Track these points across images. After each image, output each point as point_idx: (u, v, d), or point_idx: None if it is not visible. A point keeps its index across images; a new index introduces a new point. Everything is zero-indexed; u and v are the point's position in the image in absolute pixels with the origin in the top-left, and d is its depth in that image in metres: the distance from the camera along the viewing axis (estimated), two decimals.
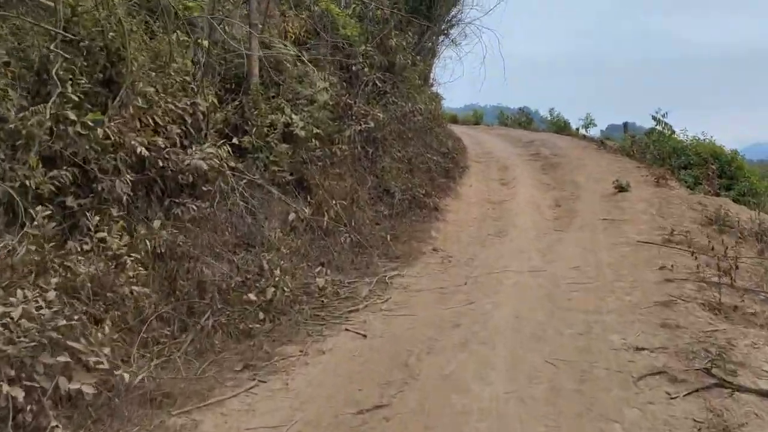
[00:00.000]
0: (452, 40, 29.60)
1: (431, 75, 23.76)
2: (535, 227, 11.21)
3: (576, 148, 19.59)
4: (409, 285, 8.00)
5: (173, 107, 7.76)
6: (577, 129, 27.30)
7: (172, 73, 8.15)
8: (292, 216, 8.97)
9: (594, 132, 27.50)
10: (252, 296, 6.76)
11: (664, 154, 14.25)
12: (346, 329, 6.50)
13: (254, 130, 9.49)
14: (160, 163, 7.15)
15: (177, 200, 7.55)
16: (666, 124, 17.02)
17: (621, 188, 11.92)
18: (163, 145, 7.27)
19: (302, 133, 9.89)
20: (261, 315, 6.64)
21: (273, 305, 6.85)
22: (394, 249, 9.81)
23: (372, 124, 12.04)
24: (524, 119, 32.28)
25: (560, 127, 27.23)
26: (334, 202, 9.94)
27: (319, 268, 8.66)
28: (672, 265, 7.68)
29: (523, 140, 22.86)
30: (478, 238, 10.76)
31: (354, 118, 11.91)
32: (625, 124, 24.51)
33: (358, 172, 11.74)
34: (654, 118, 17.21)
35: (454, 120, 41.43)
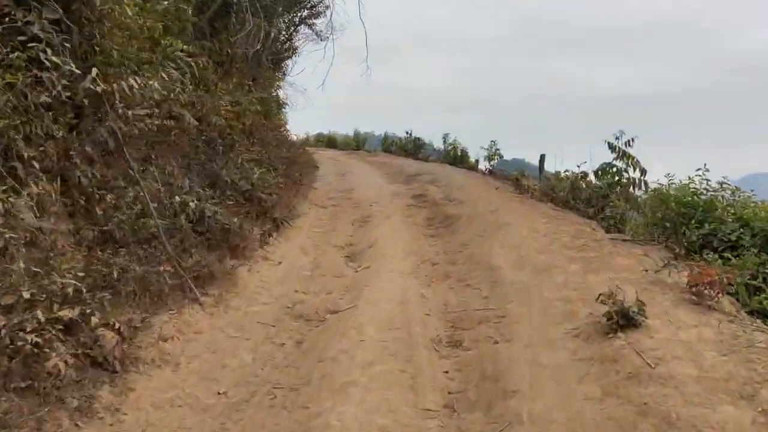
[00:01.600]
0: (317, 33, 22.18)
1: (270, 65, 15.75)
2: None
3: (482, 189, 12.14)
4: None
5: None
6: (477, 161, 20.28)
7: None
8: None
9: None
10: None
11: (671, 218, 6.81)
12: None
13: None
14: None
15: None
16: (632, 158, 9.92)
17: (624, 317, 4.35)
18: None
19: None
20: None
21: None
22: None
23: None
24: (411, 145, 24.94)
25: (456, 157, 19.97)
26: None
27: None
28: None
29: (405, 172, 15.29)
30: None
31: None
32: (542, 159, 17.60)
33: None
34: (612, 146, 10.03)
35: (333, 143, 34.38)
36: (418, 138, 26.05)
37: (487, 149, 20.29)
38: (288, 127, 28.40)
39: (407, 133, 26.76)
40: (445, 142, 22.96)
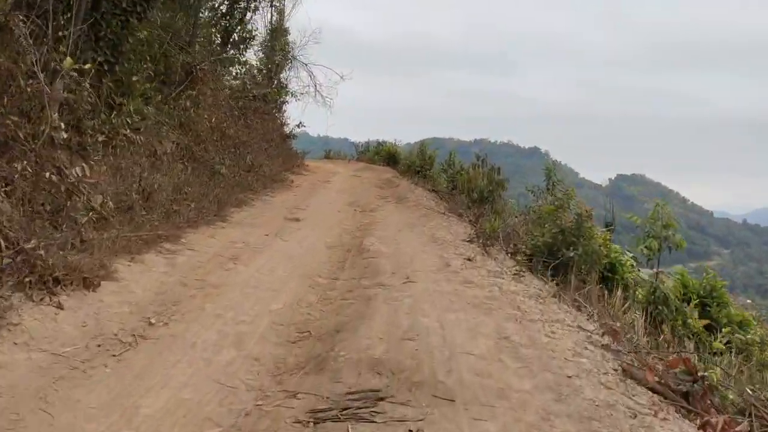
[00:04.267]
0: None
1: None
2: None
3: None
4: None
5: None
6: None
7: None
8: None
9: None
10: None
11: None
12: None
13: None
14: None
15: None
16: None
17: None
18: None
19: None
20: None
21: None
22: None
23: None
24: (484, 182, 13.31)
25: (568, 232, 7.93)
26: None
27: None
28: None
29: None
30: None
31: None
32: None
33: None
34: None
35: (393, 159, 22.92)
36: (496, 169, 14.21)
37: (645, 241, 8.43)
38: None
39: (479, 159, 14.97)
40: (549, 186, 11.32)
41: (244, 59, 14.41)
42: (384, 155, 24.90)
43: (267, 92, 14.94)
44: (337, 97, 20.74)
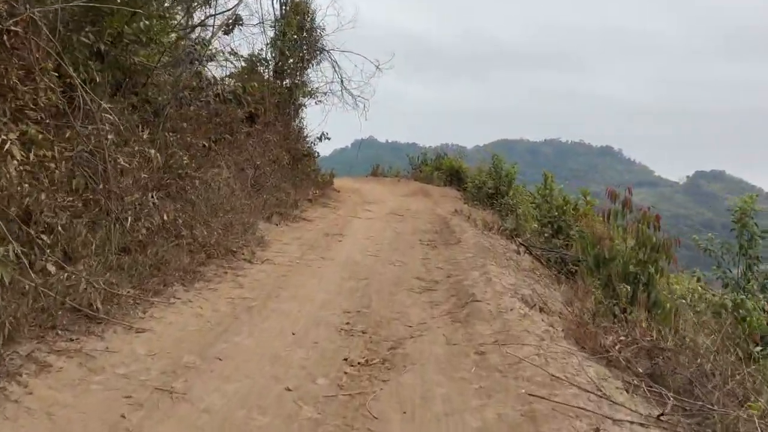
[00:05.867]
0: None
1: None
2: None
3: None
4: None
5: None
6: None
7: None
8: None
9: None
10: None
11: None
12: None
13: None
14: None
15: None
16: None
17: None
18: None
19: None
20: None
21: None
22: None
23: None
24: (641, 247, 6.44)
25: None
26: None
27: None
28: None
29: None
30: None
31: None
32: None
33: None
34: None
35: (456, 176, 17.96)
36: (651, 219, 7.44)
37: None
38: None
39: (613, 196, 8.23)
40: (742, 242, 5.27)
41: (177, 27, 8.24)
42: (446, 171, 18.65)
43: (238, 89, 8.72)
44: (373, 95, 14.37)
